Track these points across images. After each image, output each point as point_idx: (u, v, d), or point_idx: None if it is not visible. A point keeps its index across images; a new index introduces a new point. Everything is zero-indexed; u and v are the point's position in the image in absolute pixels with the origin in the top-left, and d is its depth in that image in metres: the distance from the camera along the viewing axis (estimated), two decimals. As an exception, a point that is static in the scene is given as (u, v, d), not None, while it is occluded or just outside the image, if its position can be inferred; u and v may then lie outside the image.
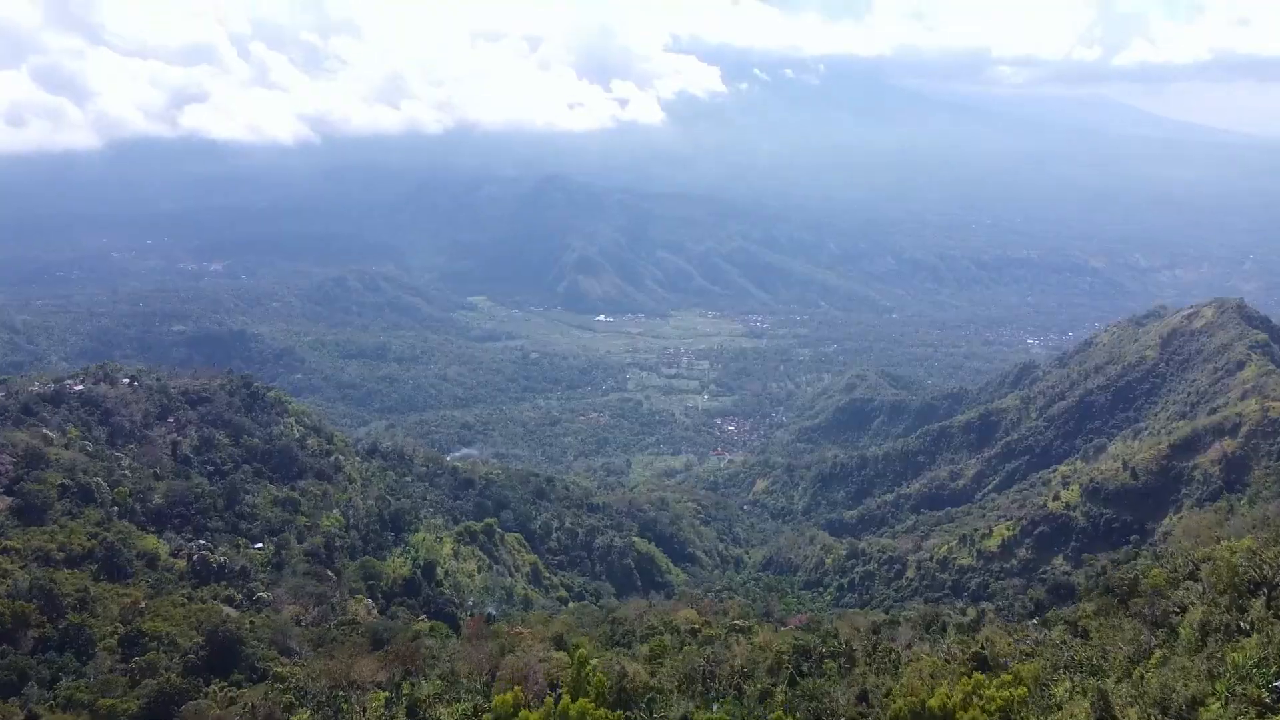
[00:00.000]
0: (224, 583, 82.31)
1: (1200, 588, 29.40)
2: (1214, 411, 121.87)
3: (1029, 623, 76.88)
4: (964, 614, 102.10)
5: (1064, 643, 32.40)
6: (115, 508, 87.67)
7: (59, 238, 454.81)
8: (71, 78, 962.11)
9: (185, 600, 74.96)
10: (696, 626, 67.08)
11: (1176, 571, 33.19)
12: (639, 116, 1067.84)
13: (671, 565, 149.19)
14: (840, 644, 42.58)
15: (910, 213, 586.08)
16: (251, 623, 71.96)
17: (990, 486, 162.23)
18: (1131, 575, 34.16)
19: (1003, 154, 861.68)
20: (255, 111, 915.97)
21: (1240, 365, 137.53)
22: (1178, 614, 29.08)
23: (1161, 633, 28.28)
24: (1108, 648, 29.16)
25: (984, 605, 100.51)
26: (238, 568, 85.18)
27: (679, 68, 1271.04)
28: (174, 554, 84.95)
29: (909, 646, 44.20)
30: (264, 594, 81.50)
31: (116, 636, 66.40)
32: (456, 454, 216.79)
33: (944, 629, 59.20)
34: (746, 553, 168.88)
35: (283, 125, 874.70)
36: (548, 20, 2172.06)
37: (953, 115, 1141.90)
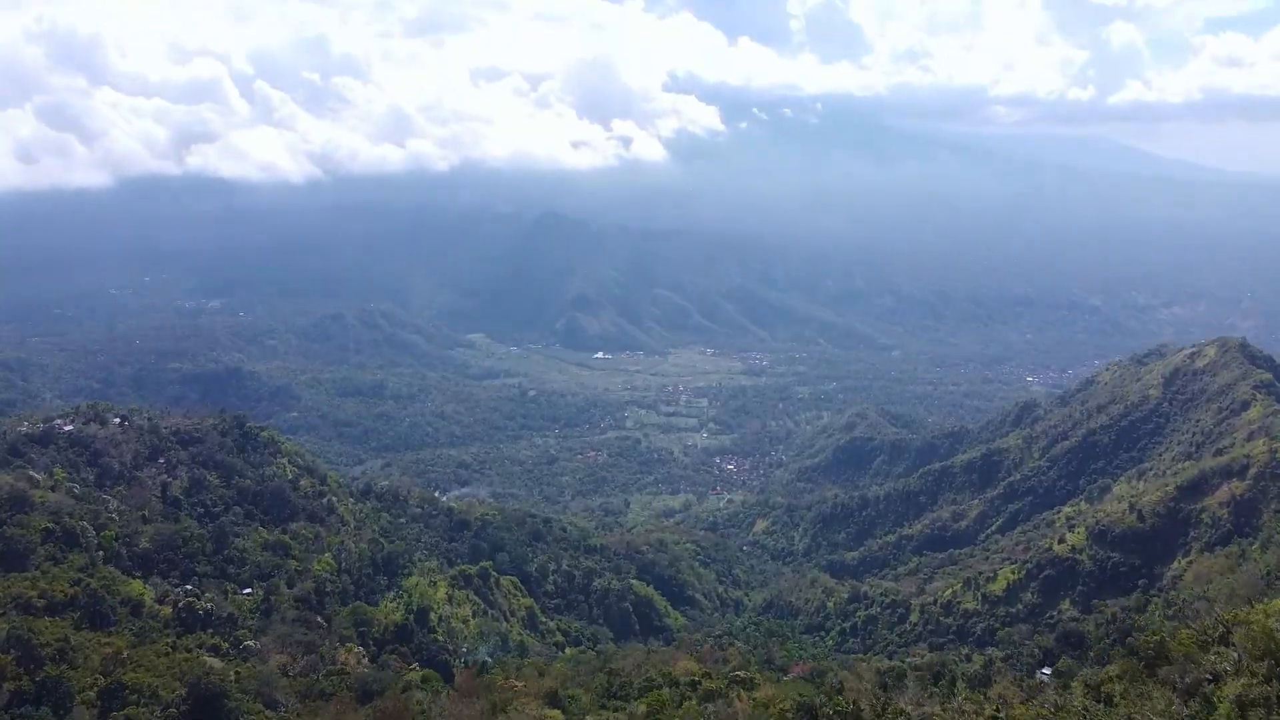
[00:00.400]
0: (210, 630, 79.98)
1: (1234, 654, 27.74)
2: (1220, 453, 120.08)
3: (1042, 674, 74.78)
4: (969, 659, 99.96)
5: (1086, 709, 30.64)
6: (100, 552, 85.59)
7: (59, 274, 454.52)
8: (77, 116, 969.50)
9: (169, 649, 72.68)
10: (697, 678, 65.00)
11: (1206, 634, 31.51)
12: (642, 155, 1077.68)
13: (670, 608, 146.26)
14: (847, 704, 40.66)
15: (908, 251, 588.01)
16: (237, 673, 69.68)
17: (993, 527, 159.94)
18: (1158, 637, 32.45)
19: (999, 192, 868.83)
20: (261, 149, 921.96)
21: (1245, 405, 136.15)
22: (1210, 682, 27.39)
23: (1195, 704, 26.52)
24: (1135, 718, 27.43)
25: (990, 651, 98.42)
26: (225, 614, 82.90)
27: (678, 106, 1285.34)
28: (159, 600, 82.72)
29: (920, 705, 42.24)
30: (251, 642, 79.14)
31: (96, 689, 64.10)
32: (453, 493, 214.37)
33: (953, 683, 57.17)
34: (746, 595, 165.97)
35: (289, 163, 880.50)
36: (546, 59, 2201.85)
37: (949, 154, 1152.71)
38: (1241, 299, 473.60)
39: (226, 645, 77.85)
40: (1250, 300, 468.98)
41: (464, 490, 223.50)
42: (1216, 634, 30.72)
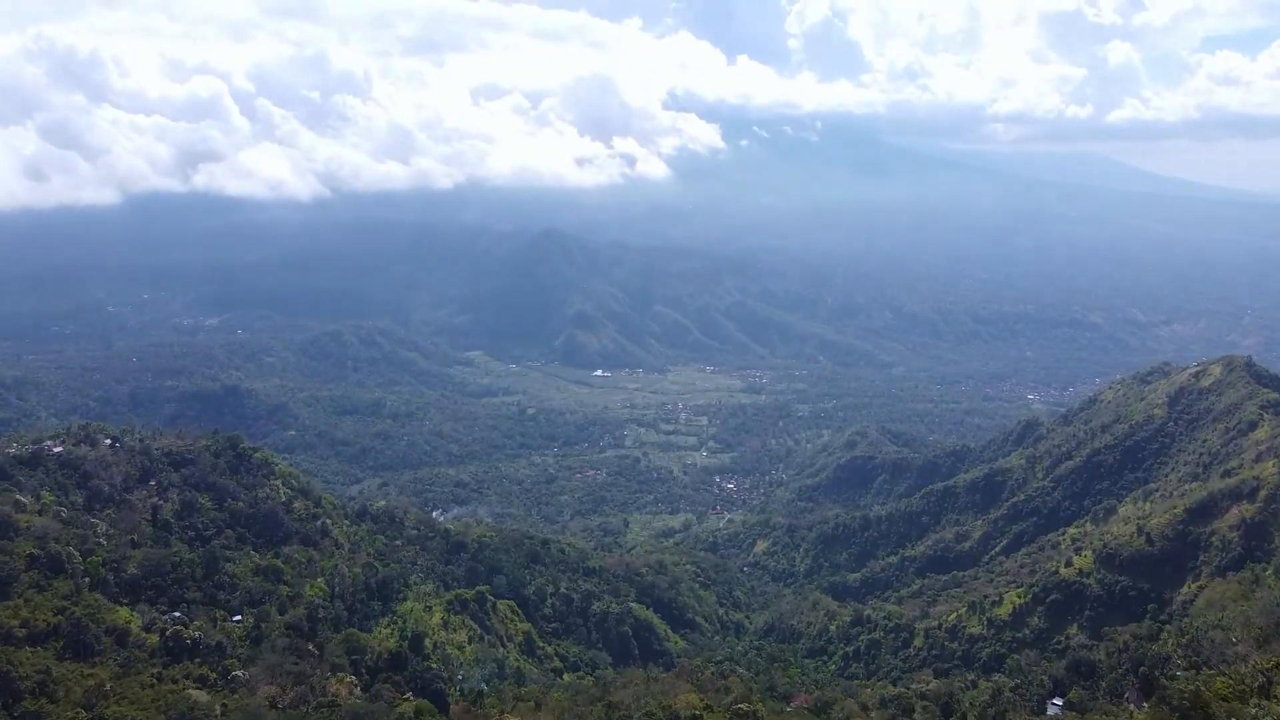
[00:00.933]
0: (198, 660, 77.82)
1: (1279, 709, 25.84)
2: (1229, 474, 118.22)
3: (1053, 704, 72.65)
4: (975, 685, 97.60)
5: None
6: (86, 578, 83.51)
7: (58, 291, 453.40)
8: (79, 134, 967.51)
9: (154, 681, 70.71)
10: (698, 712, 62.94)
11: (1244, 683, 29.59)
12: (645, 173, 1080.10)
13: (670, 631, 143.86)
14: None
15: (907, 268, 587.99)
16: (223, 705, 67.60)
17: (998, 549, 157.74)
18: (1192, 687, 30.57)
19: (998, 210, 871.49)
20: (266, 167, 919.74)
21: (1253, 425, 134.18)
22: (1252, 739, 25.52)
23: (1237, 763, 24.76)
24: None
25: (998, 679, 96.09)
26: (213, 643, 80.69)
27: (679, 125, 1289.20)
28: (146, 628, 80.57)
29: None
30: (239, 672, 76.88)
31: (77, 723, 62.16)
32: (451, 513, 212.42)
33: (964, 718, 55.12)
34: (747, 617, 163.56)
35: (294, 180, 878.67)
36: (546, 77, 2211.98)
37: (948, 171, 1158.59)
38: (1242, 316, 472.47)
39: (214, 675, 75.69)
40: (1251, 318, 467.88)
41: (462, 510, 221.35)
42: (1255, 684, 28.81)
